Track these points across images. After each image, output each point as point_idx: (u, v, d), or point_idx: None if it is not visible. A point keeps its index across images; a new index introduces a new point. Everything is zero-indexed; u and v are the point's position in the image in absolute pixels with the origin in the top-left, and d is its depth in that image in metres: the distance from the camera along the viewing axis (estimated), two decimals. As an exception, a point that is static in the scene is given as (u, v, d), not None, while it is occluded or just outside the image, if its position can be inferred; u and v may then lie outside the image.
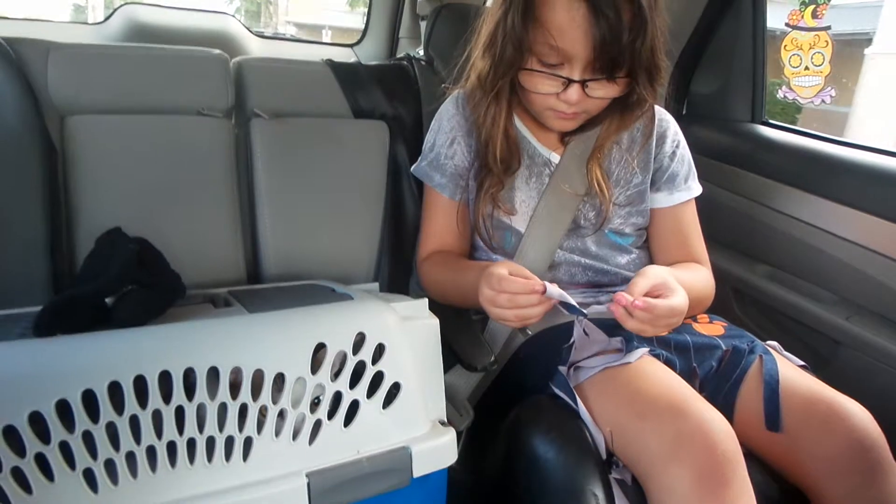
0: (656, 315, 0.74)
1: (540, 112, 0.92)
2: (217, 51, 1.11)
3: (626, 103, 0.89)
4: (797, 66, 1.32)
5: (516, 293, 0.75)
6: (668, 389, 0.74)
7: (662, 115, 0.99)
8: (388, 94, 1.21)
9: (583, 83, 0.82)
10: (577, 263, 0.96)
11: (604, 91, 0.84)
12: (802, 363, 0.89)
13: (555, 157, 0.96)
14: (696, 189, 1.00)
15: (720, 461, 0.66)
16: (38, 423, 0.53)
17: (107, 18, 2.02)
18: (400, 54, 2.15)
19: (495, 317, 0.79)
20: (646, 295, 0.75)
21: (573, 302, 0.76)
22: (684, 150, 0.99)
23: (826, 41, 1.28)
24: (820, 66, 1.29)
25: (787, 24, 1.31)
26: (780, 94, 1.35)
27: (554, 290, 0.75)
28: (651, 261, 1.01)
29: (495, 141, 0.93)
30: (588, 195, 0.94)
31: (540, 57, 0.83)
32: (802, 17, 1.28)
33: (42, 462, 0.53)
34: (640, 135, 0.96)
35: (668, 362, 0.83)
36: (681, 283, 0.79)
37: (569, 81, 0.83)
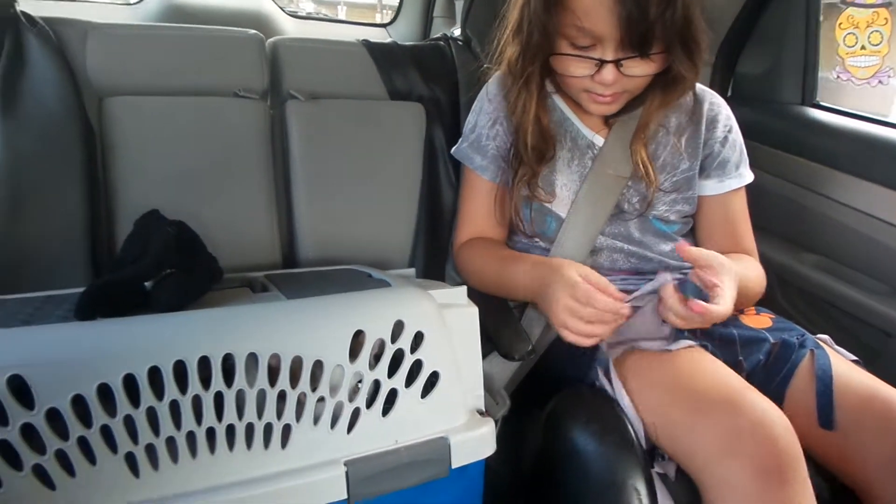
0: (708, 320, 0.72)
1: (577, 95, 0.89)
2: (253, 31, 1.11)
3: (666, 80, 0.85)
4: (852, 46, 1.26)
5: (605, 310, 0.73)
6: (721, 381, 0.72)
7: (713, 98, 0.95)
8: (424, 76, 1.19)
9: (616, 63, 0.79)
10: (619, 249, 0.93)
11: (641, 69, 0.81)
12: (854, 358, 0.85)
13: (598, 140, 0.93)
14: (748, 176, 0.96)
15: (781, 457, 0.64)
16: (80, 406, 0.53)
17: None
18: (435, 34, 2.13)
19: (565, 326, 0.75)
20: (697, 268, 0.74)
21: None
22: (737, 136, 0.95)
23: (886, 18, 1.22)
24: (878, 45, 1.23)
25: (842, 2, 1.25)
26: (833, 75, 1.29)
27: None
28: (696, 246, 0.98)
29: (526, 129, 0.90)
30: (633, 179, 0.91)
31: (570, 40, 0.80)
32: (860, -8, 1.22)
33: (84, 445, 0.53)
34: (687, 118, 0.93)
35: (712, 355, 0.80)
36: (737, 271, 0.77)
37: (601, 62, 0.80)
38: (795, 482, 0.63)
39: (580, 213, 0.91)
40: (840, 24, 1.26)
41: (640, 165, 0.89)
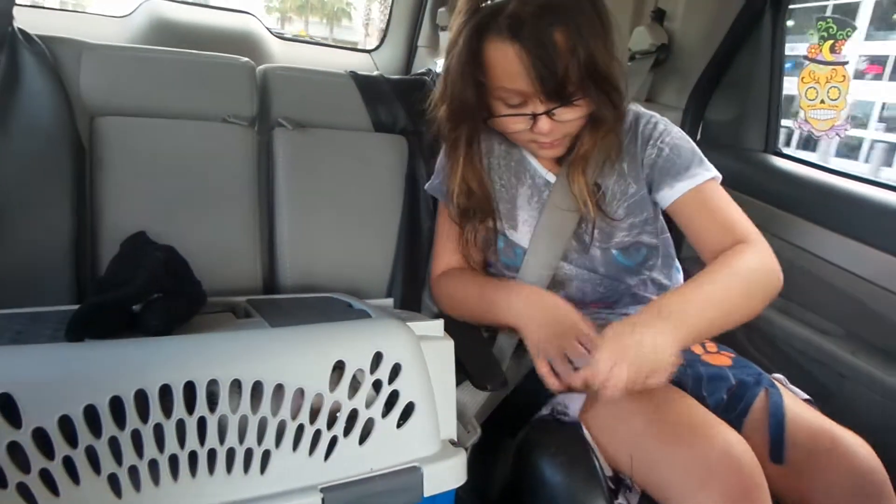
0: (602, 378, 0.70)
1: (525, 146, 0.95)
2: (244, 59, 1.13)
3: (594, 119, 0.88)
4: (813, 99, 1.33)
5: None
6: (691, 414, 0.76)
7: (651, 118, 0.94)
8: (408, 109, 1.23)
9: (548, 113, 0.84)
10: (587, 280, 0.97)
11: (571, 114, 0.85)
12: (807, 397, 0.90)
13: (552, 178, 0.97)
14: (703, 175, 0.90)
15: (748, 486, 0.68)
16: (66, 426, 0.54)
17: (132, 12, 2.05)
18: (418, 63, 2.18)
19: (548, 355, 0.81)
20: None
21: None
22: (677, 141, 0.92)
23: (843, 76, 1.30)
24: (836, 100, 1.31)
25: (805, 58, 1.32)
26: (794, 126, 1.37)
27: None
28: (665, 276, 1.01)
29: (453, 189, 0.96)
30: (584, 212, 0.94)
31: (503, 100, 0.85)
32: (821, 51, 1.30)
33: (69, 465, 0.54)
34: (626, 143, 0.94)
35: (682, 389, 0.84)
36: (666, 303, 0.76)
37: (534, 116, 0.84)
38: None
39: (539, 244, 0.96)
40: (802, 77, 1.33)
41: (580, 200, 0.92)
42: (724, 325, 0.79)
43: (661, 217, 1.00)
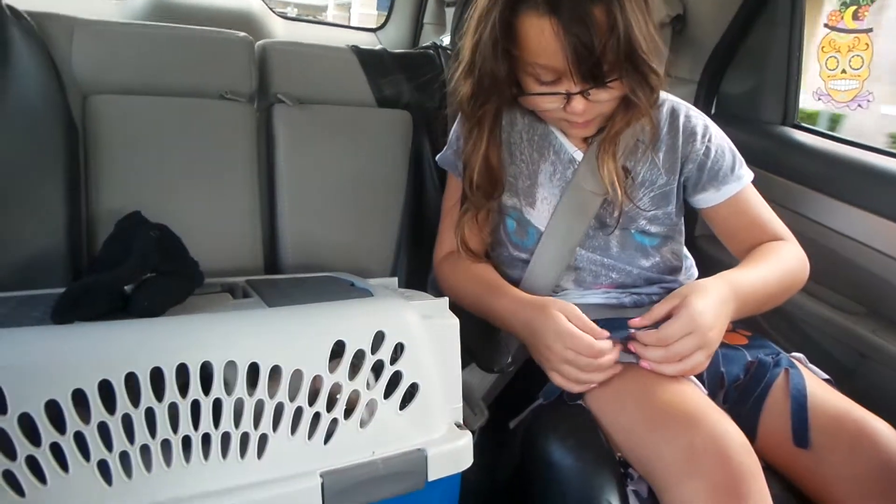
0: (672, 341, 0.73)
1: (555, 124, 0.91)
2: (242, 33, 1.10)
3: (628, 101, 0.85)
4: (833, 69, 1.28)
5: (603, 365, 0.76)
6: (682, 399, 0.72)
7: (689, 111, 0.95)
8: (412, 83, 1.19)
9: (583, 93, 0.80)
10: (599, 263, 0.94)
11: (607, 94, 0.82)
12: (827, 377, 0.87)
13: (580, 155, 0.94)
14: (747, 176, 0.93)
15: (736, 475, 0.64)
16: (54, 411, 0.52)
17: (131, -7, 2.02)
18: (424, 40, 2.14)
19: (560, 373, 0.78)
20: (666, 317, 0.75)
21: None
22: (720, 142, 0.93)
23: (866, 44, 1.24)
24: (858, 69, 1.26)
25: (825, 25, 1.27)
26: (814, 97, 1.32)
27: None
28: (676, 258, 0.98)
29: (473, 167, 0.91)
30: (609, 195, 0.91)
31: (535, 77, 0.82)
32: (842, 18, 1.24)
33: (57, 452, 0.52)
34: (663, 133, 0.92)
35: None
36: (737, 283, 0.79)
37: (569, 95, 0.81)
38: (751, 498, 0.63)
39: (559, 226, 0.92)
40: (822, 47, 1.28)
41: (608, 182, 0.89)
42: (760, 311, 0.85)
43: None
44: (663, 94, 0.92)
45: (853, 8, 1.21)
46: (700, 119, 0.94)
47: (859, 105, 1.24)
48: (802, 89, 1.38)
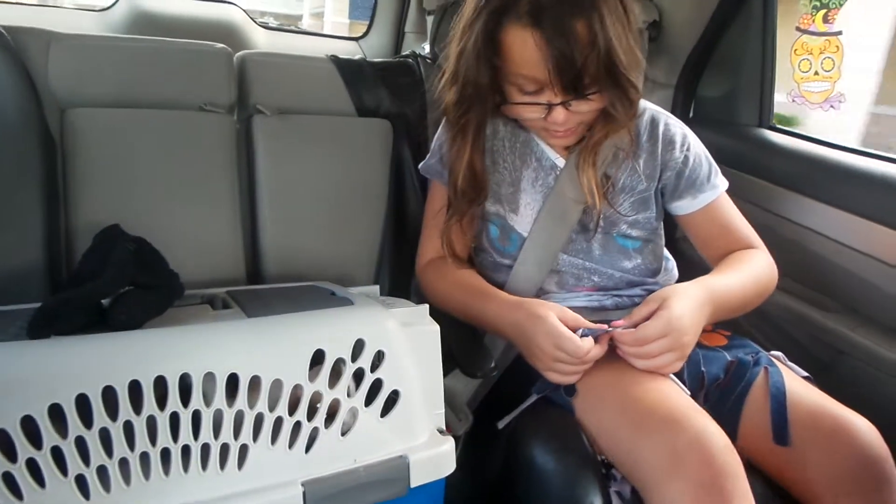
0: (648, 342, 0.75)
1: (537, 133, 0.93)
2: (220, 45, 1.10)
3: (608, 112, 0.86)
4: (806, 71, 1.30)
5: (590, 360, 0.78)
6: (664, 400, 0.73)
7: (668, 119, 0.96)
8: (392, 92, 1.20)
9: (564, 104, 0.82)
10: (581, 267, 0.95)
11: (587, 106, 0.83)
12: (806, 374, 0.88)
13: (561, 162, 0.95)
14: (722, 185, 0.95)
15: (719, 475, 0.65)
16: (30, 427, 0.52)
17: (112, 5, 2.01)
18: (406, 49, 2.14)
19: (553, 371, 0.79)
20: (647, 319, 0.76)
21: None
22: (698, 150, 0.95)
23: (837, 46, 1.26)
24: (829, 71, 1.28)
25: (797, 28, 1.29)
26: (788, 99, 1.33)
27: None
28: (657, 260, 0.99)
29: (457, 172, 0.92)
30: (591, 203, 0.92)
31: (518, 87, 0.83)
32: (813, 21, 1.27)
33: (33, 467, 0.52)
34: (643, 141, 0.94)
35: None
36: (715, 288, 0.82)
37: (550, 105, 0.82)
38: (735, 497, 0.64)
39: (542, 232, 0.93)
40: (795, 49, 1.30)
41: (588, 192, 0.90)
42: (733, 316, 0.87)
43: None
44: (643, 103, 0.94)
45: (823, 11, 1.24)
46: (679, 128, 0.96)
47: (832, 106, 1.26)
48: (778, 91, 1.40)
